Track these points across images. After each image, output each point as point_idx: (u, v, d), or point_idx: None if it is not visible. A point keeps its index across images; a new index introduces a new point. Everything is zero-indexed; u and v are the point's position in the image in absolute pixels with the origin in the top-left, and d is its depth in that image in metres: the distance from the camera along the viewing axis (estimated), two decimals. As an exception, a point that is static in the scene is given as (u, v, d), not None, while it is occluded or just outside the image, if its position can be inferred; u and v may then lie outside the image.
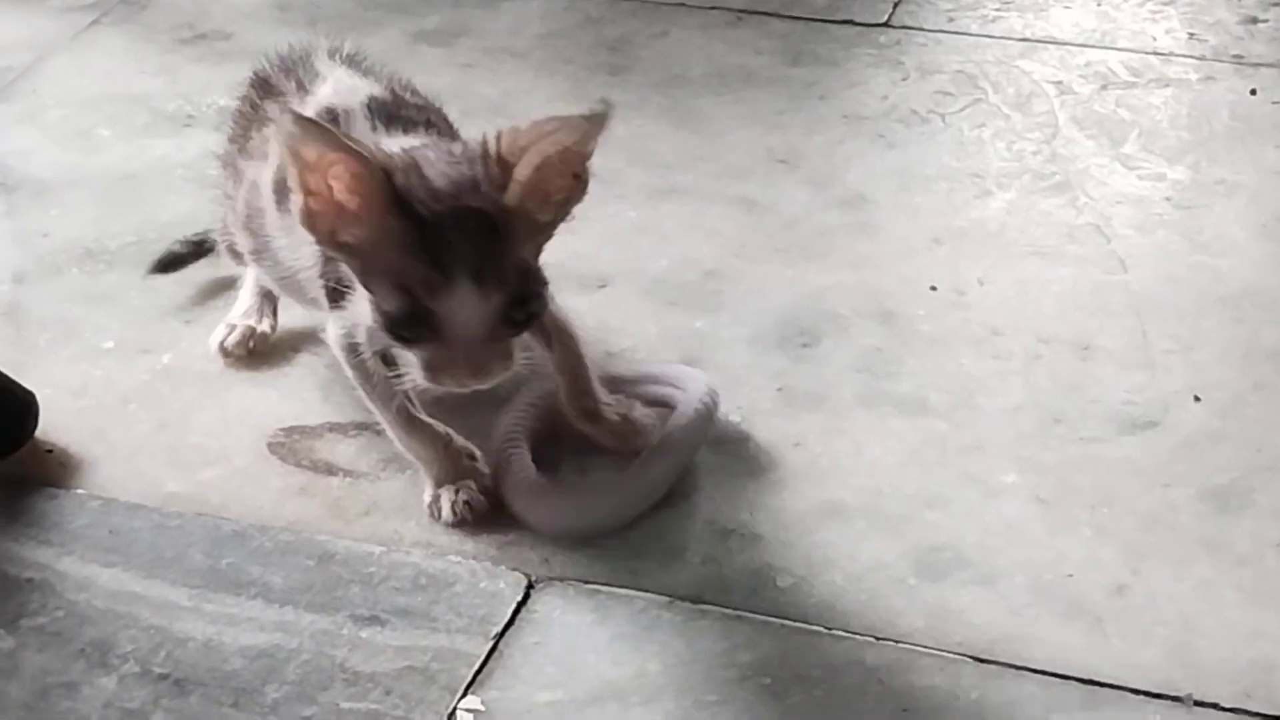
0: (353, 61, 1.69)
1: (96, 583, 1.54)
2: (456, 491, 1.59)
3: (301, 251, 1.61)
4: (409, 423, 1.60)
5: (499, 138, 1.44)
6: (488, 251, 1.42)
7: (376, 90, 1.62)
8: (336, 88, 1.63)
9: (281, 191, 1.61)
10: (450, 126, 1.64)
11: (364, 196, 1.42)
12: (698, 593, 1.52)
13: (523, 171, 1.42)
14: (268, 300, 1.82)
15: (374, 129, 1.57)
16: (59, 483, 1.65)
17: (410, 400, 1.61)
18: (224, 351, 1.79)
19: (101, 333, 1.84)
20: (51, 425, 1.70)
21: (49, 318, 1.87)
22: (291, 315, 1.83)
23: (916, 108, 2.21)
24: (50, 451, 1.69)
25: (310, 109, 1.60)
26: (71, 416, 1.72)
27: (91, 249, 1.98)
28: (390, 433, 1.62)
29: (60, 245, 1.99)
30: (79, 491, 1.64)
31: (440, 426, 1.62)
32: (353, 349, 1.59)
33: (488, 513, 1.59)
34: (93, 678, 1.45)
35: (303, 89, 1.65)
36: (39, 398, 1.69)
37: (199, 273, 1.92)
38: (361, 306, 1.51)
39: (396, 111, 1.60)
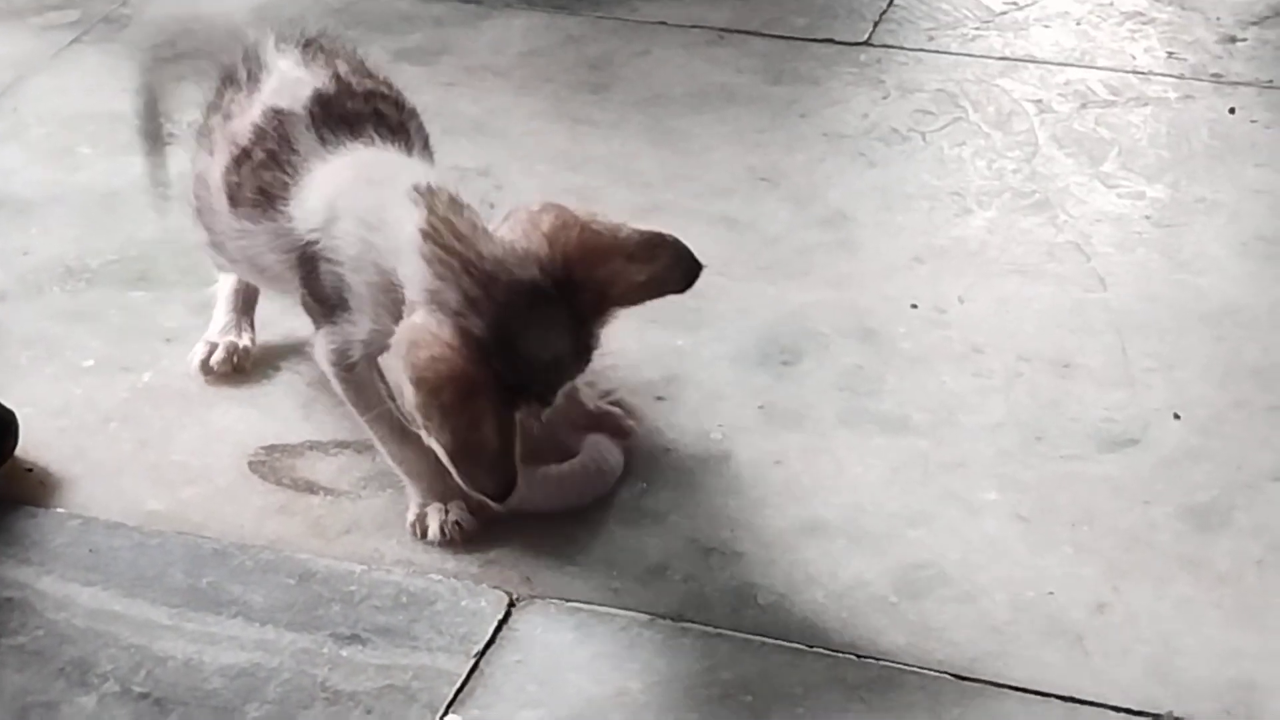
0: (305, 45, 1.68)
1: (76, 601, 1.53)
2: (446, 511, 1.59)
3: (266, 258, 1.62)
4: (403, 436, 1.60)
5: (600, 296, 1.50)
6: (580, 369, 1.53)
7: (321, 82, 1.63)
8: (281, 82, 1.64)
9: (236, 194, 1.62)
10: (400, 108, 1.66)
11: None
12: (679, 611, 1.52)
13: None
14: (245, 315, 1.82)
15: (318, 138, 1.59)
16: (39, 501, 1.65)
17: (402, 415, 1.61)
18: (208, 370, 1.78)
19: (82, 351, 1.84)
20: (31, 444, 1.69)
21: (30, 336, 1.87)
22: (270, 331, 1.83)
23: (897, 126, 2.22)
24: (30, 470, 1.68)
25: (256, 108, 1.62)
26: (52, 435, 1.72)
27: (72, 267, 1.97)
28: (382, 448, 1.61)
29: (41, 263, 1.98)
30: (59, 510, 1.64)
31: None
32: (347, 365, 1.59)
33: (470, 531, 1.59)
34: (73, 697, 1.45)
35: (253, 82, 1.66)
36: (19, 416, 1.69)
37: (179, 291, 1.92)
38: (360, 322, 1.52)
39: (341, 106, 1.61)
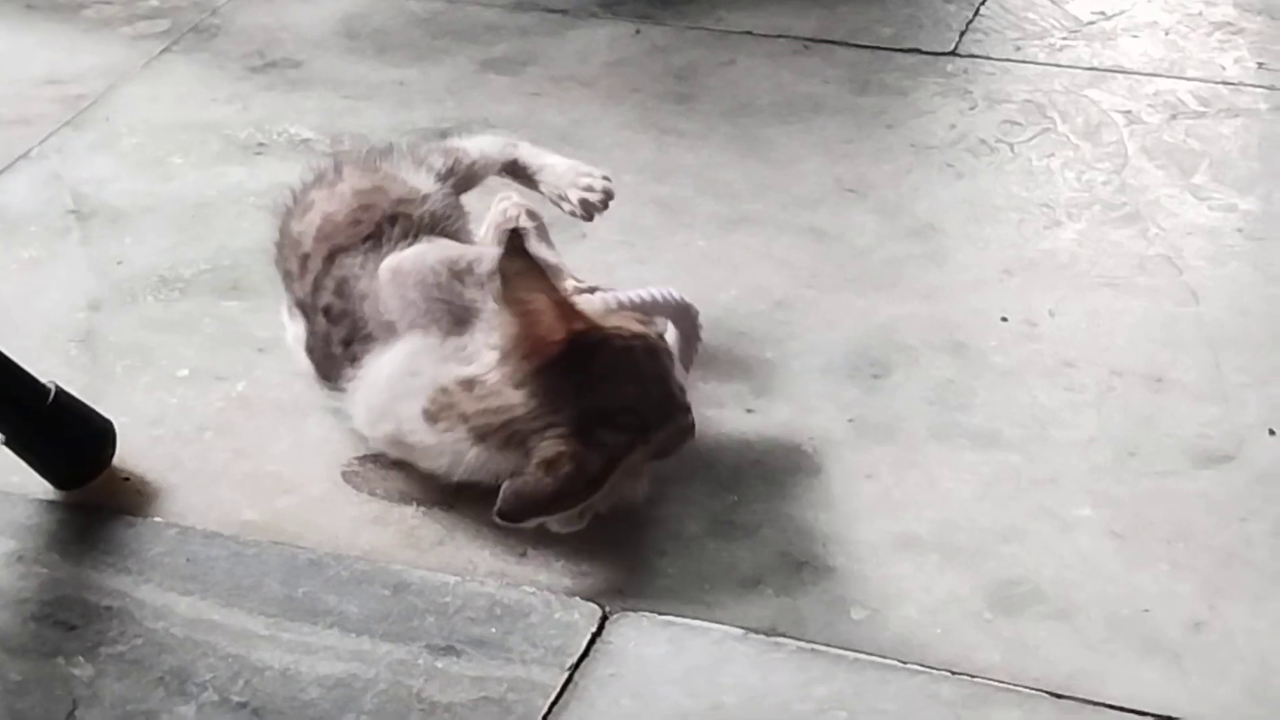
0: None
1: (175, 611, 1.55)
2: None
3: None
4: None
5: None
6: None
7: None
8: None
9: None
10: None
11: None
12: (772, 625, 1.52)
13: None
14: None
15: None
16: (136, 511, 1.67)
17: None
18: None
19: (177, 360, 1.86)
20: (128, 453, 1.71)
21: (125, 345, 1.89)
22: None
23: (985, 137, 2.21)
24: (127, 479, 1.70)
25: None
26: (148, 444, 1.74)
27: (166, 276, 1.99)
28: None
29: (135, 273, 2.00)
30: (156, 519, 1.66)
31: None
32: None
33: (561, 541, 1.60)
34: (172, 706, 1.46)
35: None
36: (116, 425, 1.71)
37: (272, 301, 1.93)
38: None
39: None
